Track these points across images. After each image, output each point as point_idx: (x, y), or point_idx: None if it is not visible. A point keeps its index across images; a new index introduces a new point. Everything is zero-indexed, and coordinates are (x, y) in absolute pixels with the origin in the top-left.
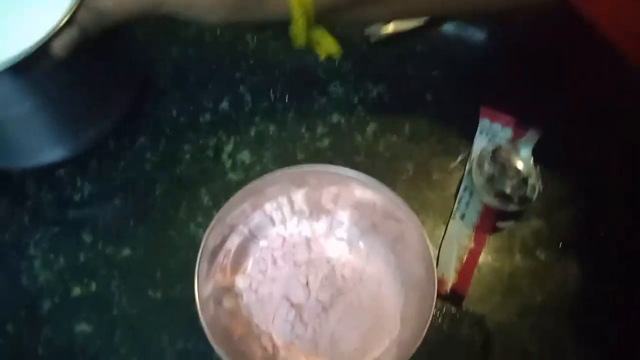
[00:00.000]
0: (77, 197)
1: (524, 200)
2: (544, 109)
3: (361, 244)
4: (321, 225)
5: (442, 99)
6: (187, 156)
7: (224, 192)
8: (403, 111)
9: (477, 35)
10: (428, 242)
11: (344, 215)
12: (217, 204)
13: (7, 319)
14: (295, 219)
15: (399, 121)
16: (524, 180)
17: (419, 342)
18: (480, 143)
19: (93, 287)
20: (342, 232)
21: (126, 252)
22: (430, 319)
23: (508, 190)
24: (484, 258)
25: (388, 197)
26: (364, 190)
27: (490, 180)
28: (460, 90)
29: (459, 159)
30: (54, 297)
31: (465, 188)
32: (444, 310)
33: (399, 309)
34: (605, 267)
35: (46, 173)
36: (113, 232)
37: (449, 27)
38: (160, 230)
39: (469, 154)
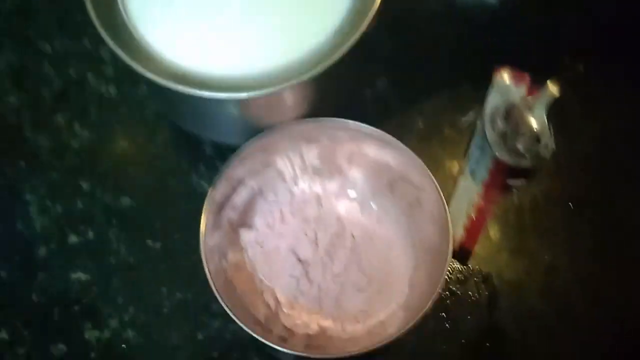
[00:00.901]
0: (75, 144)
1: (537, 157)
2: (558, 69)
3: (373, 205)
4: (333, 183)
5: (456, 56)
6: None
7: (229, 144)
8: (415, 66)
9: None
10: (446, 208)
11: (357, 175)
12: (220, 154)
13: (1, 265)
14: (306, 176)
15: (411, 76)
16: (537, 139)
17: (427, 308)
18: (493, 100)
19: (90, 235)
20: (354, 192)
21: (125, 200)
22: (440, 287)
23: (521, 148)
24: (492, 216)
25: (407, 158)
26: (381, 149)
27: (503, 136)
28: (475, 48)
29: (471, 114)
30: (50, 243)
31: (477, 145)
32: (451, 267)
33: (409, 273)
34: (616, 229)
35: (44, 119)
36: (112, 179)
37: None
38: (160, 179)
39: (482, 111)
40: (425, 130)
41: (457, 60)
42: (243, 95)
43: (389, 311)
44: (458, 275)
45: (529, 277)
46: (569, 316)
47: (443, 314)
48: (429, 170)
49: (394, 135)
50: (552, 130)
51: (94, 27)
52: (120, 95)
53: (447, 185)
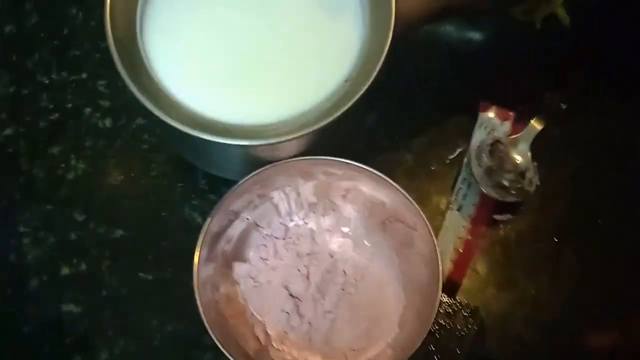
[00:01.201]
0: (70, 175)
1: (522, 192)
2: (541, 105)
3: (367, 242)
4: (328, 219)
5: (442, 93)
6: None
7: (223, 176)
8: (403, 103)
9: (477, 35)
10: (437, 251)
11: (351, 212)
12: (214, 187)
13: None
14: (302, 211)
15: (398, 112)
16: (522, 174)
17: (416, 348)
18: (479, 136)
19: (83, 266)
20: (348, 229)
21: (118, 232)
22: (429, 328)
23: (506, 183)
24: (479, 250)
25: (400, 198)
26: (375, 188)
27: (489, 172)
28: (461, 84)
29: (458, 151)
30: (41, 275)
31: (464, 180)
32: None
33: (399, 312)
34: (601, 260)
35: (40, 151)
36: (105, 211)
37: (449, 26)
38: (154, 211)
39: (468, 146)
40: (414, 165)
41: (443, 95)
42: (270, 141)
43: (378, 349)
44: (447, 309)
45: (515, 310)
46: (556, 346)
47: (432, 346)
48: (421, 212)
49: (383, 171)
50: (536, 165)
51: (92, 61)
52: (116, 128)
53: (435, 220)
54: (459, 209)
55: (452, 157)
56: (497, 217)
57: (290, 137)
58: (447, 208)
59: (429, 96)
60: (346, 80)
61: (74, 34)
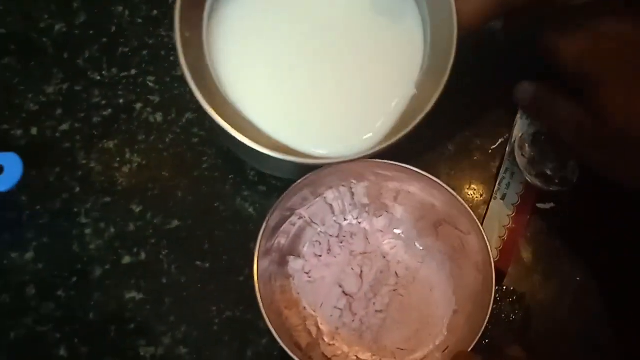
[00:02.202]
0: (126, 169)
1: (565, 181)
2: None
3: (418, 245)
4: (380, 220)
5: (483, 83)
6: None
7: (271, 174)
8: (445, 93)
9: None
10: (491, 255)
11: (403, 214)
12: (263, 179)
13: (59, 285)
14: (355, 211)
15: (440, 103)
16: (564, 163)
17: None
18: (521, 126)
19: (143, 256)
20: (400, 230)
21: (174, 223)
22: (480, 335)
23: (549, 172)
24: (524, 238)
25: (453, 201)
26: (426, 190)
27: (532, 162)
28: (502, 75)
29: (500, 140)
30: (104, 264)
31: (507, 169)
32: None
33: (448, 316)
34: None
35: (96, 145)
36: (161, 203)
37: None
38: (207, 202)
39: (510, 136)
40: (456, 155)
41: (484, 86)
42: (334, 162)
43: (425, 351)
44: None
45: (561, 299)
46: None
47: None
48: (475, 217)
49: (426, 162)
50: None
51: (140, 58)
52: (166, 122)
53: (479, 209)
54: (502, 198)
55: (494, 147)
56: (541, 205)
57: (355, 158)
58: (491, 197)
59: (468, 87)
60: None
61: (122, 31)
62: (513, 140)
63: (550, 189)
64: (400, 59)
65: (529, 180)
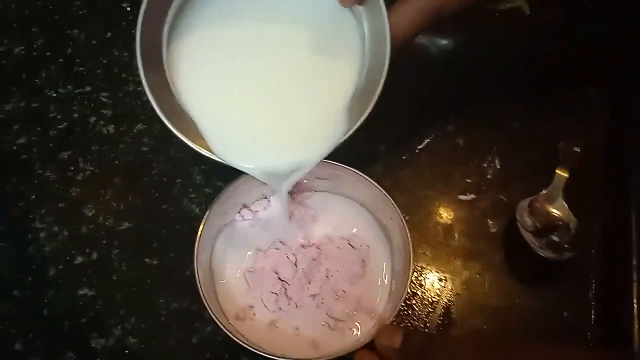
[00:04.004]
0: (79, 177)
1: (575, 244)
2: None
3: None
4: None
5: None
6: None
7: (215, 171)
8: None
9: (446, 41)
10: (410, 242)
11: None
12: (210, 182)
13: (14, 285)
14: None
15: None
16: (567, 226)
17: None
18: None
19: (94, 256)
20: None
21: (125, 224)
22: (398, 307)
23: (556, 239)
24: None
25: (378, 195)
26: (354, 185)
27: (536, 233)
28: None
29: (426, 141)
30: (58, 264)
31: None
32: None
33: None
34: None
35: (51, 156)
36: (112, 207)
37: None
38: (155, 204)
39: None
40: (386, 156)
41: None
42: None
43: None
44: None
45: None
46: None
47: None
48: (396, 206)
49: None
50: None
51: (94, 76)
52: (118, 133)
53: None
54: None
55: (420, 147)
56: (462, 197)
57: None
58: None
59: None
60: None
61: (77, 52)
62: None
63: (564, 257)
64: (336, 76)
65: (542, 254)
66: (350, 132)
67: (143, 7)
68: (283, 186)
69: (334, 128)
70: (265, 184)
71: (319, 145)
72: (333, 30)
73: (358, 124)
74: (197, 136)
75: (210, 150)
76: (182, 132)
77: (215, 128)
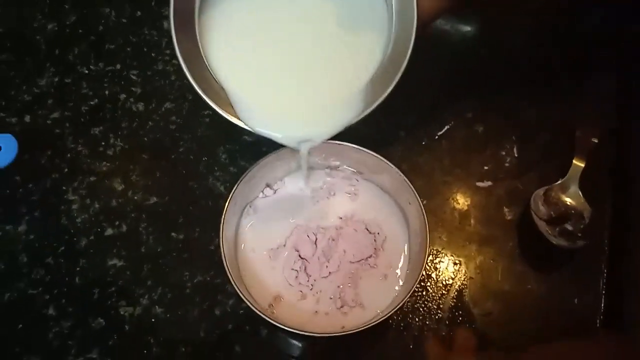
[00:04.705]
0: (110, 152)
1: (588, 233)
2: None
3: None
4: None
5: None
6: (207, 119)
7: (239, 151)
8: None
9: (468, 27)
10: (427, 225)
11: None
12: (234, 161)
13: (48, 254)
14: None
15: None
16: (581, 215)
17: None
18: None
19: (124, 228)
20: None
21: (153, 199)
22: (414, 286)
23: (570, 227)
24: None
25: (398, 179)
26: (376, 170)
27: (551, 222)
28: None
29: (446, 127)
30: (89, 235)
31: None
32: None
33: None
34: None
35: (83, 131)
36: (141, 182)
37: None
38: (182, 181)
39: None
40: (407, 141)
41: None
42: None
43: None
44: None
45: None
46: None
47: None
48: (415, 191)
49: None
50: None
51: (125, 54)
52: (147, 111)
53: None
54: None
55: (440, 133)
56: (480, 184)
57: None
58: None
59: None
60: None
61: (108, 30)
62: (531, 203)
63: (577, 246)
64: (361, 51)
65: (554, 242)
66: (371, 108)
67: None
68: (303, 146)
69: (354, 101)
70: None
71: (338, 117)
72: (361, 6)
73: (379, 100)
74: (226, 104)
75: (237, 118)
76: (212, 100)
77: (244, 96)
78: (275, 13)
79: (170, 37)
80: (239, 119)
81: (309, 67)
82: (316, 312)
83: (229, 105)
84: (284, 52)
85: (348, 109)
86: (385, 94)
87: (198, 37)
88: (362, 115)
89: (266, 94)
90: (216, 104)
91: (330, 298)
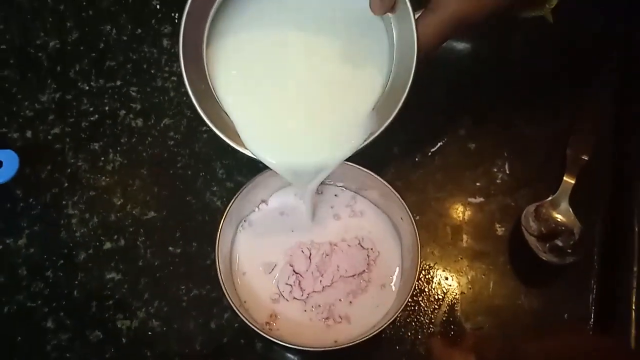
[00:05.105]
0: (109, 167)
1: (578, 250)
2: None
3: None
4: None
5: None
6: (205, 135)
7: (236, 167)
8: None
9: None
10: (418, 238)
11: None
12: (230, 176)
13: (47, 267)
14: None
15: None
16: (571, 232)
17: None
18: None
19: (122, 242)
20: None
21: (151, 214)
22: (404, 303)
23: (560, 243)
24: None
25: (389, 194)
26: (369, 184)
27: (540, 237)
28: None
29: (439, 144)
30: (88, 249)
31: None
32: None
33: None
34: None
35: (83, 146)
36: (140, 197)
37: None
38: (180, 196)
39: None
40: (400, 158)
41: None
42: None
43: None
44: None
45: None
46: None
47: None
48: (406, 206)
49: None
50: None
51: (125, 70)
52: (146, 127)
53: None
54: None
55: (433, 149)
56: (471, 200)
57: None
58: None
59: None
60: (373, 109)
61: (109, 47)
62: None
63: (567, 262)
64: (364, 81)
65: (544, 258)
66: (374, 135)
67: (187, 9)
68: (309, 186)
69: (358, 131)
70: (290, 183)
71: (342, 147)
72: (363, 37)
73: (382, 128)
74: (229, 129)
75: (241, 145)
76: (218, 128)
77: (249, 124)
78: (280, 45)
79: (170, 54)
80: (242, 145)
81: (312, 97)
82: (310, 326)
83: (231, 130)
84: (289, 82)
85: (356, 135)
86: (388, 122)
87: (205, 66)
88: (364, 143)
89: (270, 122)
90: (225, 134)
91: (324, 312)
